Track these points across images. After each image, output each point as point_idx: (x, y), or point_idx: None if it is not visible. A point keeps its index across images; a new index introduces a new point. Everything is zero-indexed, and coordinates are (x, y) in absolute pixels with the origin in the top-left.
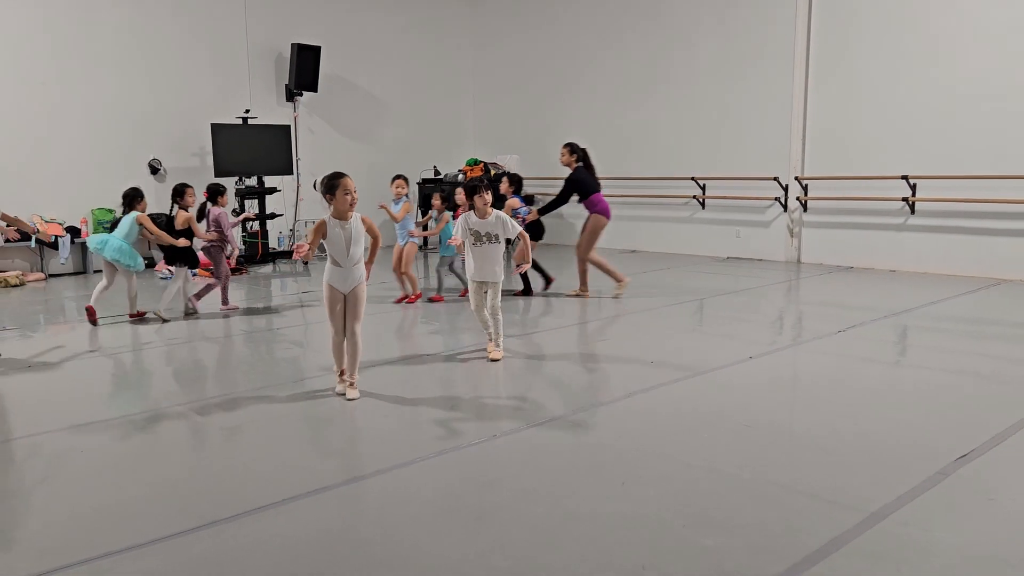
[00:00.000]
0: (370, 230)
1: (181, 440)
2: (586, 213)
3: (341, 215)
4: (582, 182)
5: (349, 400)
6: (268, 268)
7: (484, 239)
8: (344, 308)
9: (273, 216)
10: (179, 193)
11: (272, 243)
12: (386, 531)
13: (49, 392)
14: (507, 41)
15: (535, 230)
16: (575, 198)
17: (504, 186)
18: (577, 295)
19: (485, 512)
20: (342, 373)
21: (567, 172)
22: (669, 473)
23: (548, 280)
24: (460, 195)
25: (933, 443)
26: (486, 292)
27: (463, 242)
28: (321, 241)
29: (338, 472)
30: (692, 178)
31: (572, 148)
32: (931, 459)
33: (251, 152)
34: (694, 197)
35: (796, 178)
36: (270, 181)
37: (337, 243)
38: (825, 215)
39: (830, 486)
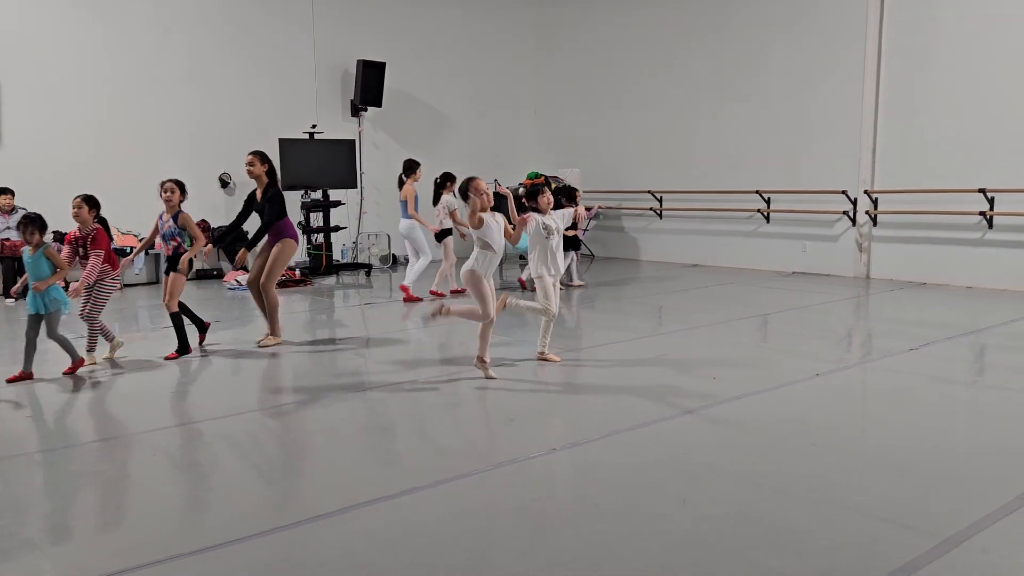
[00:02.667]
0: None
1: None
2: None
3: (484, 209)
4: (283, 201)
5: (491, 379)
6: (332, 280)
7: (552, 232)
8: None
9: (337, 229)
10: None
11: (336, 255)
12: (446, 541)
13: (118, 397)
14: (569, 55)
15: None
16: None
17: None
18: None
19: (546, 525)
20: (484, 359)
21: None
22: (734, 492)
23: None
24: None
25: (1012, 467)
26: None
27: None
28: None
29: (398, 482)
30: (757, 191)
31: (263, 157)
32: (1010, 483)
33: (317, 166)
34: (759, 211)
35: (865, 191)
36: (335, 194)
37: (495, 232)
38: (896, 229)
39: (904, 509)
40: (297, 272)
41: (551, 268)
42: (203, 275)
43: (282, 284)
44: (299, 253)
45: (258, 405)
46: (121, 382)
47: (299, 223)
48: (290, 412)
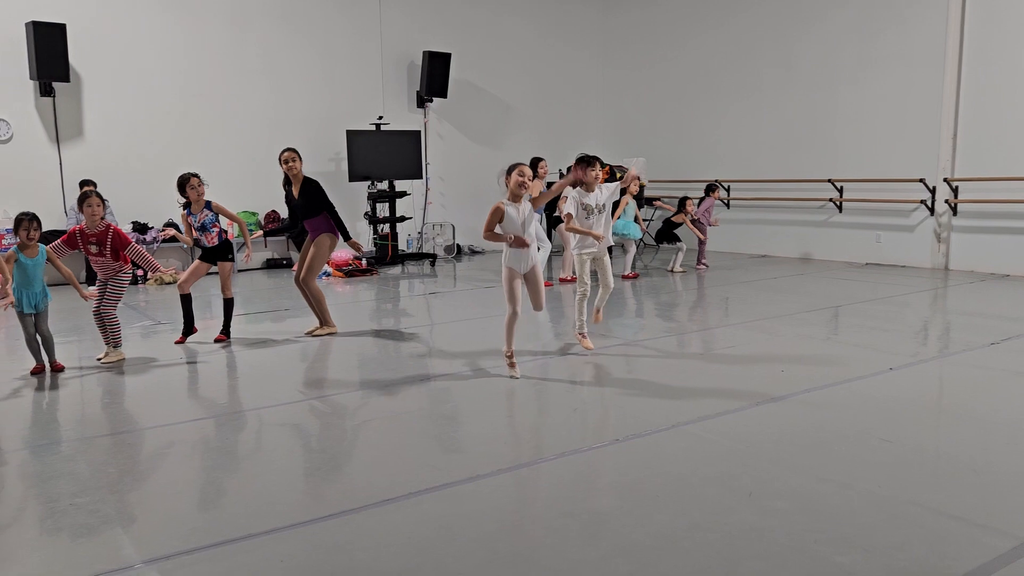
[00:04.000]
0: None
1: (318, 430)
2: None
3: (515, 197)
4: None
5: (515, 378)
6: (397, 269)
7: (595, 211)
8: (522, 288)
9: (403, 219)
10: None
11: (401, 245)
12: (506, 528)
13: (178, 385)
14: (636, 44)
15: None
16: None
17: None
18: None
19: (606, 516)
20: (512, 355)
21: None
22: (800, 486)
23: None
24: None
25: None
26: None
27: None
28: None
29: (460, 469)
30: (829, 180)
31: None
32: None
33: (383, 157)
34: (831, 200)
35: (945, 180)
36: (400, 185)
37: (513, 223)
38: (977, 219)
39: (979, 509)
40: (363, 262)
41: (590, 244)
42: (274, 264)
43: (348, 274)
44: (366, 243)
45: (321, 392)
46: (179, 370)
47: (365, 213)
48: (354, 399)
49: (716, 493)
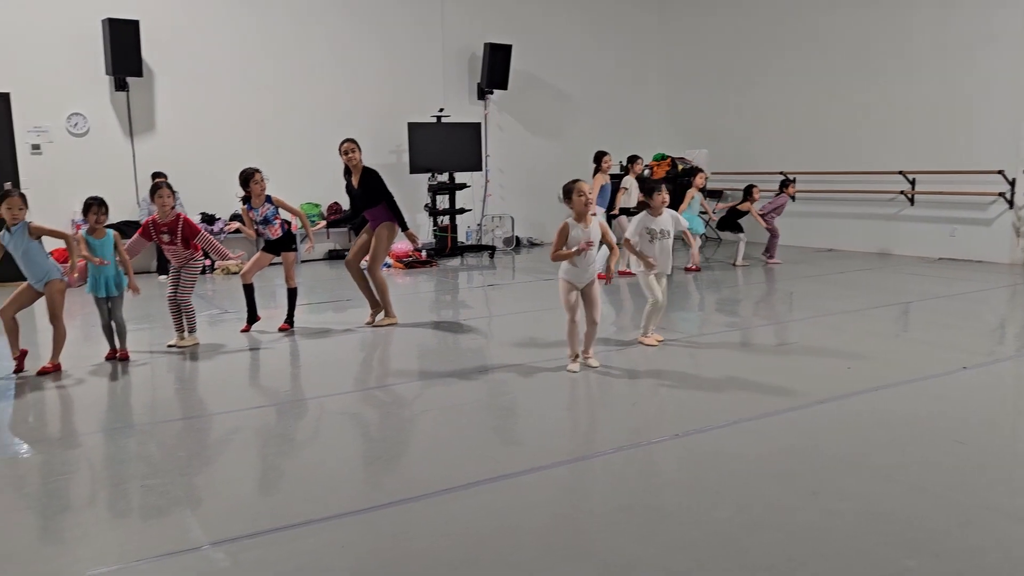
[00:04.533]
0: (605, 234)
1: (377, 418)
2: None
3: (579, 216)
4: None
5: (594, 367)
6: (456, 261)
7: (659, 235)
8: (579, 299)
9: (462, 211)
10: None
11: (461, 237)
12: (564, 522)
13: (244, 373)
14: (698, 33)
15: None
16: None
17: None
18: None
19: (665, 511)
20: (577, 356)
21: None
22: (867, 487)
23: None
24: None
25: None
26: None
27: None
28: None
29: (519, 461)
30: (900, 172)
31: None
32: None
33: (444, 149)
34: (902, 192)
35: None
36: (460, 177)
37: (577, 243)
38: None
39: None
40: (423, 253)
41: (654, 271)
42: (336, 255)
43: (408, 265)
44: (425, 235)
45: (380, 382)
46: (245, 357)
47: (425, 205)
48: (413, 389)
49: (778, 491)
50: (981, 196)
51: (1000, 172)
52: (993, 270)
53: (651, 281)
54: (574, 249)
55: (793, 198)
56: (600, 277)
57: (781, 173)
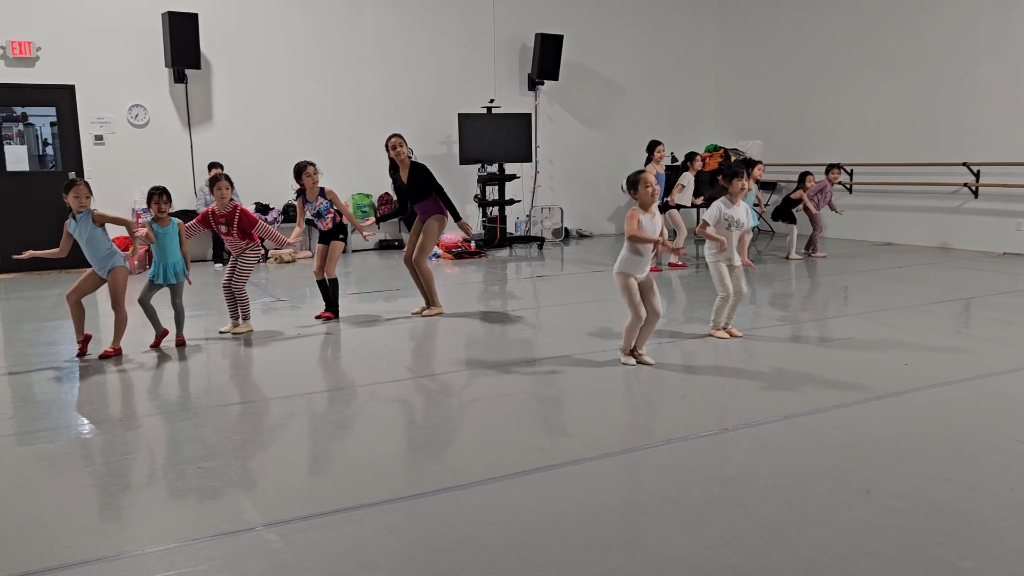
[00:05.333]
0: (672, 221)
1: (422, 406)
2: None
3: (645, 206)
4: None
5: (650, 364)
6: (505, 252)
7: (736, 224)
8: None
9: (512, 202)
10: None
11: (510, 228)
12: (610, 513)
13: (297, 360)
14: (753, 22)
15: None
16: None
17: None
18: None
19: (714, 506)
20: (633, 351)
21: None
22: (923, 486)
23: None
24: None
25: None
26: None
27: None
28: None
29: (568, 451)
30: (964, 163)
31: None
32: None
33: (493, 140)
34: (965, 184)
35: None
36: (510, 168)
37: (648, 232)
38: None
39: None
40: (472, 244)
41: (726, 257)
42: (386, 245)
43: (457, 256)
44: (475, 225)
45: (429, 371)
46: (298, 344)
47: (475, 196)
48: (460, 379)
49: (830, 488)
50: None
51: None
52: None
53: (723, 272)
54: (660, 241)
55: (847, 187)
56: (672, 265)
57: (838, 165)
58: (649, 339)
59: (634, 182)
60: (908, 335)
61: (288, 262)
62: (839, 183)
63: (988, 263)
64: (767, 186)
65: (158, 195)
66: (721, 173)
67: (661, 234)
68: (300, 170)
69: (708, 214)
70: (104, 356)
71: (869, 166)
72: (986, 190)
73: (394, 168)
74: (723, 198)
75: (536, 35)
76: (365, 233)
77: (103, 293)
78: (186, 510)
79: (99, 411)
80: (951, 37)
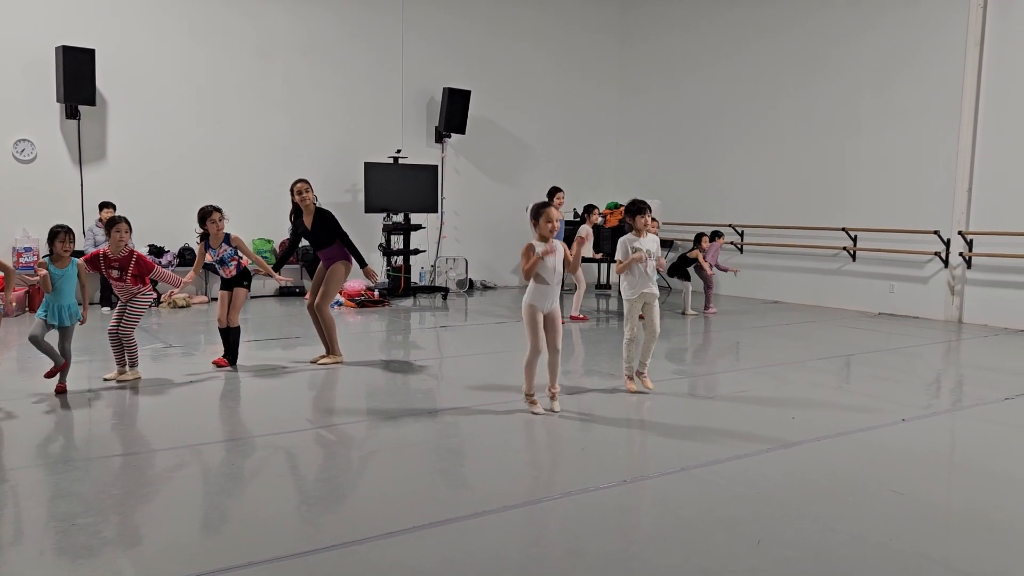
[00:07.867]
0: (570, 263)
1: (317, 458)
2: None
3: (543, 238)
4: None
5: (556, 412)
6: (409, 301)
7: (648, 255)
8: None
9: (417, 252)
10: None
11: (415, 278)
12: (510, 568)
13: (187, 409)
14: (654, 86)
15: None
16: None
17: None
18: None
19: (613, 558)
20: (533, 395)
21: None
22: (810, 536)
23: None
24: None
25: None
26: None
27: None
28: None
29: (469, 504)
30: (843, 228)
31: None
32: None
33: (400, 190)
34: (844, 248)
35: (960, 232)
36: (416, 218)
37: (543, 265)
38: (992, 273)
39: (992, 568)
40: (375, 293)
41: (639, 290)
42: (286, 292)
43: (360, 304)
44: (379, 274)
45: (328, 421)
46: (188, 393)
47: (380, 245)
48: (360, 429)
49: (724, 539)
50: (918, 255)
51: (936, 232)
52: (929, 326)
53: (634, 311)
54: (540, 253)
55: (742, 250)
56: (574, 319)
57: (730, 226)
58: (558, 382)
59: (537, 213)
60: (795, 389)
61: (182, 307)
62: (729, 243)
63: (865, 322)
64: (665, 243)
65: (63, 233)
66: (628, 211)
67: (549, 251)
68: (205, 216)
69: (618, 252)
70: None
71: (759, 228)
72: (863, 254)
73: (297, 213)
74: (629, 234)
75: (444, 89)
76: (281, 281)
77: None
78: (59, 570)
79: None
80: (835, 111)
